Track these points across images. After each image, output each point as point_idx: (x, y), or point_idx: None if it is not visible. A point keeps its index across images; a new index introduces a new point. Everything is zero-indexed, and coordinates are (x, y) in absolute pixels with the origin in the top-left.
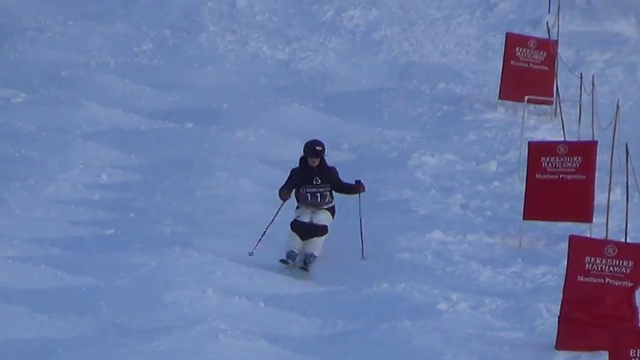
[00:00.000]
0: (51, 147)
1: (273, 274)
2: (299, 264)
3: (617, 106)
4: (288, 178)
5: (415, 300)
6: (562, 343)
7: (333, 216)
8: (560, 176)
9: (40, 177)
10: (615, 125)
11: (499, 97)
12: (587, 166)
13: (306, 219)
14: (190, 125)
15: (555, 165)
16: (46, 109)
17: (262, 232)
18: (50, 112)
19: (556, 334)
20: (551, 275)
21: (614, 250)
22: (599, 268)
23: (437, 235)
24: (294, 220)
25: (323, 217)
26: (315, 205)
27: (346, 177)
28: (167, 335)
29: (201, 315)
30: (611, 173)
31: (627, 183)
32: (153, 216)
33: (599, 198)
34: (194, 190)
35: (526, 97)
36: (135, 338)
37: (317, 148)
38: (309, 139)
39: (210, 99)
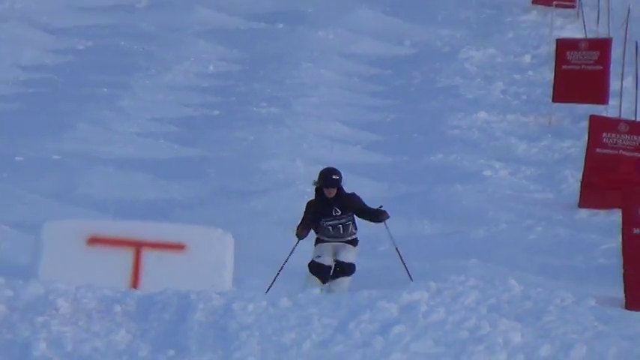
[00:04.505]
0: (168, 43)
1: (351, 147)
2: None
3: (629, 10)
4: (305, 212)
5: (464, 168)
6: (584, 203)
7: (356, 250)
8: (582, 67)
9: (159, 68)
10: (627, 25)
11: (532, 2)
12: (604, 59)
13: (327, 261)
14: (281, 26)
15: (578, 58)
16: (164, 12)
17: (277, 272)
18: (167, 14)
19: (579, 195)
20: (575, 148)
21: (626, 127)
22: (614, 142)
23: (482, 115)
24: (313, 261)
25: (349, 255)
26: (338, 238)
27: (406, 69)
28: (263, 196)
29: (291, 180)
30: (623, 64)
31: (637, 73)
32: (251, 99)
33: (614, 85)
34: (284, 78)
35: (554, 2)
36: (236, 199)
37: (334, 177)
38: (324, 168)
39: (298, 4)
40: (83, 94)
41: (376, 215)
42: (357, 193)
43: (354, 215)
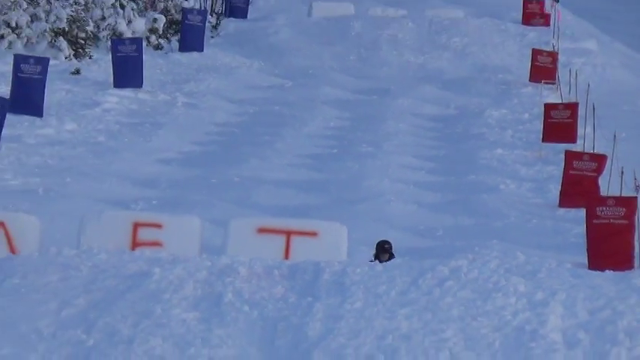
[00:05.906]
0: (305, 108)
1: (418, 171)
2: None
3: (588, 85)
4: None
5: (488, 184)
6: (562, 204)
7: None
8: (560, 120)
9: (300, 123)
10: (587, 94)
11: (529, 80)
12: (574, 115)
13: None
14: (374, 97)
15: (558, 114)
16: (302, 90)
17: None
18: (304, 91)
19: (558, 199)
20: (557, 171)
21: (588, 157)
22: (580, 167)
23: (499, 151)
24: None
25: None
26: None
27: (452, 123)
28: (363, 203)
29: (382, 192)
30: (585, 117)
31: (594, 122)
32: (357, 142)
33: (580, 130)
34: (377, 129)
35: (543, 81)
36: (347, 204)
37: (385, 246)
38: (380, 240)
39: (385, 83)
40: (253, 141)
41: None
42: (421, 204)
43: None
